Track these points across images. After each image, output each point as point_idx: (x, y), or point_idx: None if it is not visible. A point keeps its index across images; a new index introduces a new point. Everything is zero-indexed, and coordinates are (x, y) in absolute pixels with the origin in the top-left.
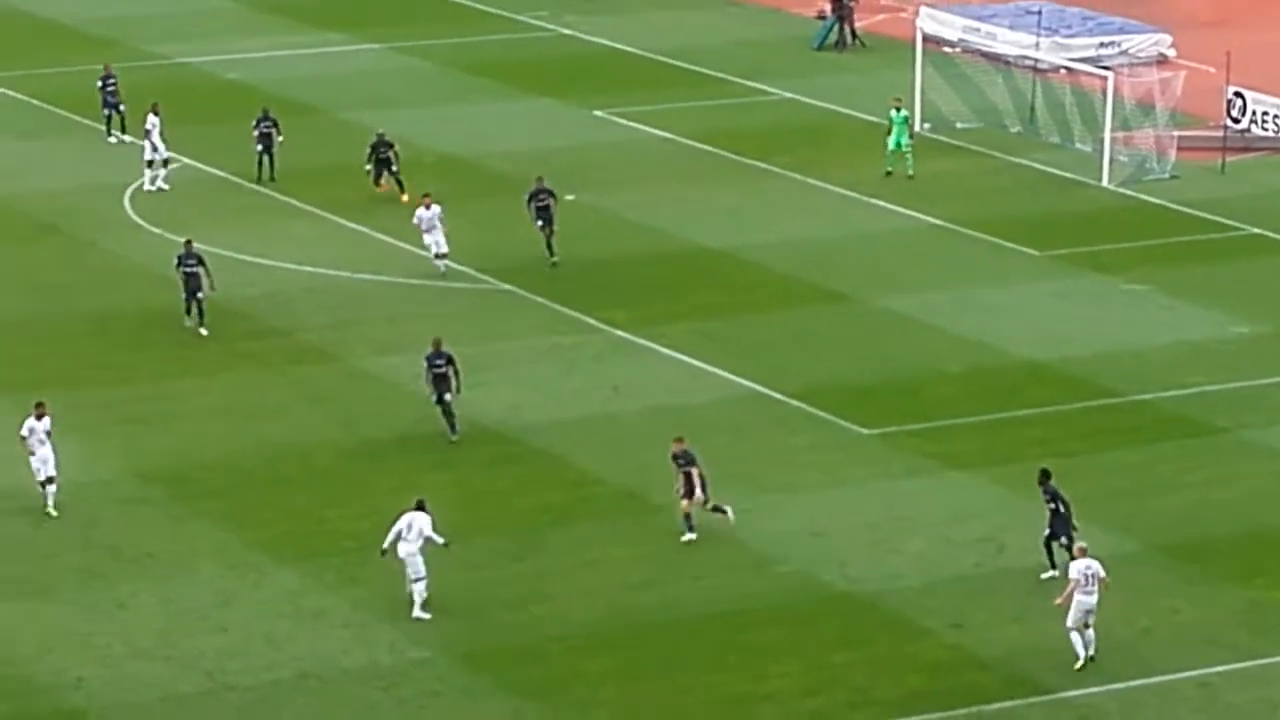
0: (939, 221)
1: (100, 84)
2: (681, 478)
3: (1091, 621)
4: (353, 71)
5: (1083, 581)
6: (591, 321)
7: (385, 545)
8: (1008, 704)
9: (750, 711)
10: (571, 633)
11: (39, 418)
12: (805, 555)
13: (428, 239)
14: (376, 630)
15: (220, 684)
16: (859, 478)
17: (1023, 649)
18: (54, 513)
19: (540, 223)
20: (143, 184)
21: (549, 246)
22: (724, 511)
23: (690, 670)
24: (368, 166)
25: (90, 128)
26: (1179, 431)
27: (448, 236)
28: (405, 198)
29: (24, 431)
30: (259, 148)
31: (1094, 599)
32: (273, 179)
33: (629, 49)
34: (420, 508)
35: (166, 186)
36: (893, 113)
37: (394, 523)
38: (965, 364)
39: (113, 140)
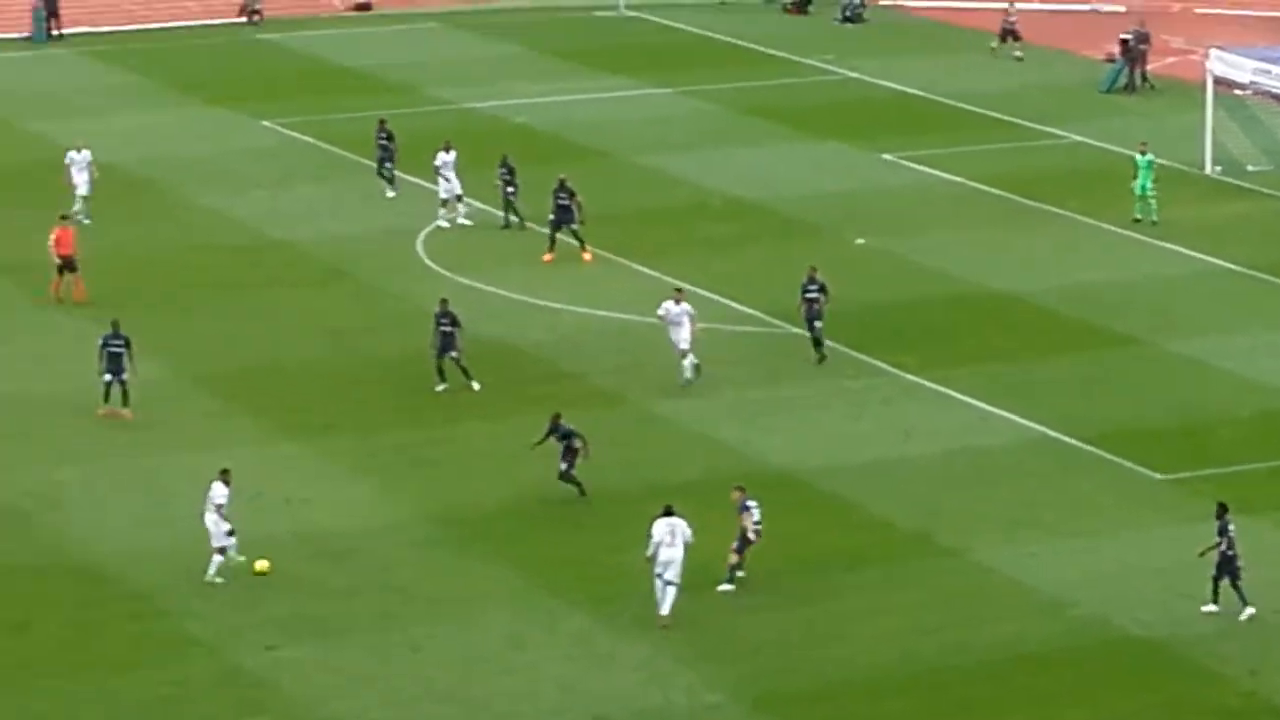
0: (1230, 265)
1: (377, 136)
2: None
3: None
4: (641, 116)
5: None
6: (881, 365)
7: (649, 553)
8: None
9: None
10: (863, 677)
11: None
12: (1097, 599)
13: (673, 335)
14: (670, 673)
15: None
16: (1151, 522)
17: None
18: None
19: (554, 219)
20: (439, 224)
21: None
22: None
23: (981, 714)
24: (550, 217)
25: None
26: None
27: (695, 336)
28: (588, 255)
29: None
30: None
31: None
32: (516, 225)
33: (917, 92)
34: (669, 513)
35: (468, 223)
36: (1138, 157)
37: (650, 531)
38: (1256, 408)
39: (390, 195)
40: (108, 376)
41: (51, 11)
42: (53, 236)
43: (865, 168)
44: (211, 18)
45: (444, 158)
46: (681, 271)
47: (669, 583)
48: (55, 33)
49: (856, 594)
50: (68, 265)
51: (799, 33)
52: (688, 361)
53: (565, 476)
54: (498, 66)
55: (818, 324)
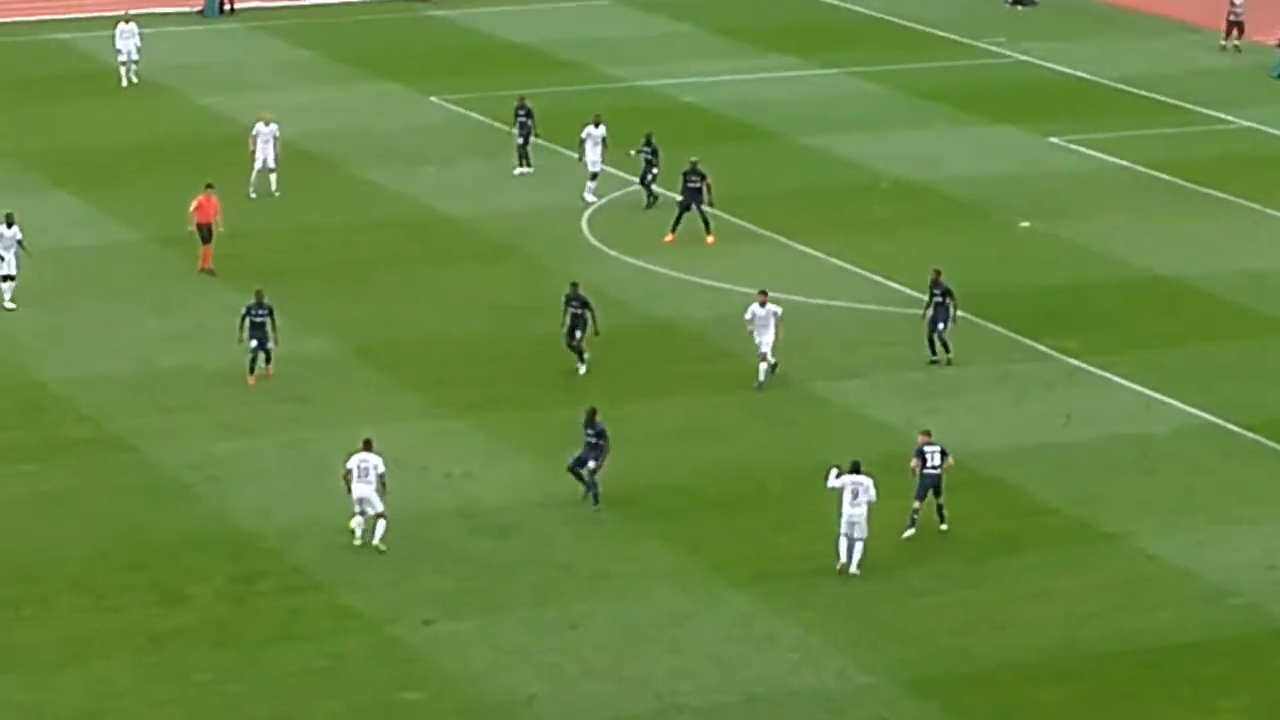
0: None
1: (516, 114)
2: None
3: None
4: (808, 96)
5: None
6: (1044, 349)
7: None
8: None
9: None
10: (1021, 661)
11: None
12: (1259, 588)
13: (758, 337)
14: (825, 655)
15: (669, 704)
16: None
17: None
18: (367, 543)
19: (683, 200)
20: (585, 197)
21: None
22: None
23: (1140, 702)
24: (679, 198)
25: (551, 150)
26: None
27: (778, 342)
28: (711, 239)
29: (350, 465)
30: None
31: None
32: (652, 202)
33: (1086, 75)
34: (856, 470)
35: (594, 199)
36: None
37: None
38: None
39: (517, 173)
40: (253, 344)
41: None
42: (194, 204)
43: (1033, 151)
44: None
45: (591, 130)
46: (846, 252)
47: (857, 539)
48: (227, 7)
49: (1016, 579)
50: (204, 234)
51: (970, 15)
52: (764, 365)
53: (578, 471)
54: (667, 44)
55: (940, 326)
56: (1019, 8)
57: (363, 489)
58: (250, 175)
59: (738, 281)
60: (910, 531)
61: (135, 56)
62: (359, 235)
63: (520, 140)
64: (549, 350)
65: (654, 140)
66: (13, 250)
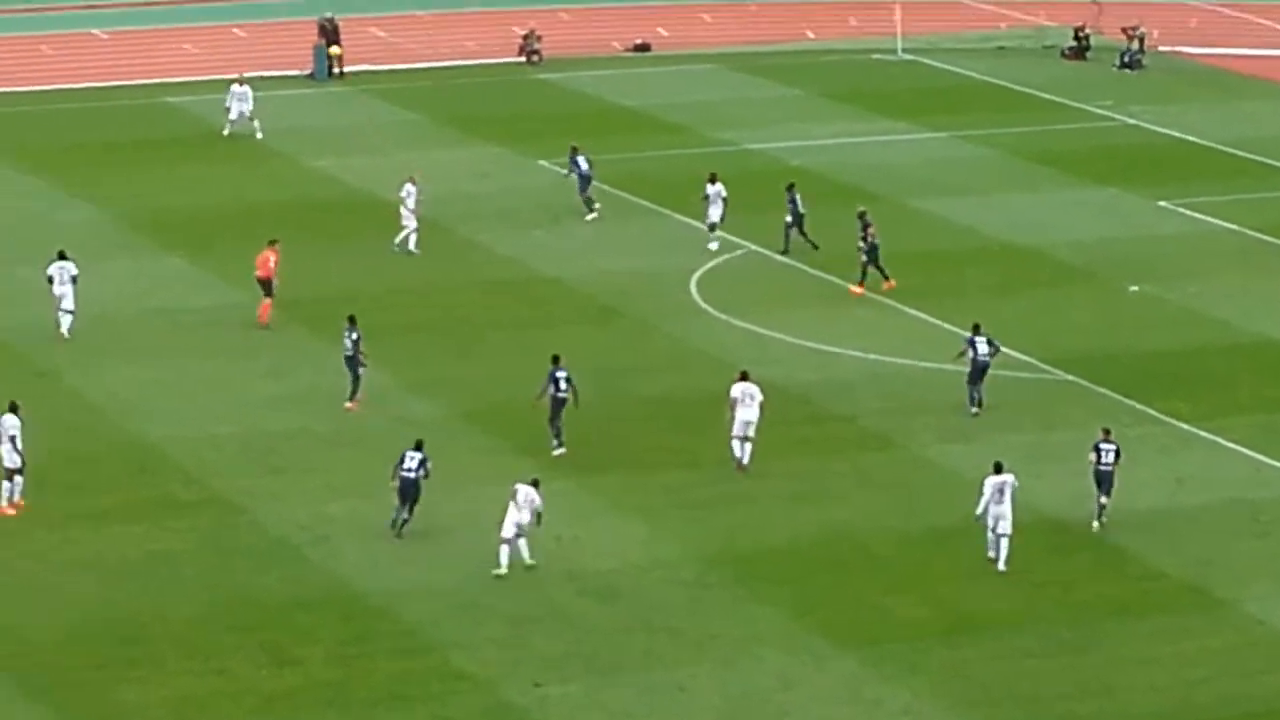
0: None
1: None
2: None
3: None
4: (916, 159)
5: None
6: (1154, 413)
7: (979, 511)
8: None
9: None
10: None
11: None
12: None
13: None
14: (933, 719)
15: None
16: None
17: None
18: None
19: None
20: (709, 247)
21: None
22: None
23: None
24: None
25: (655, 211)
26: None
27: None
28: (890, 284)
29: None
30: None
31: None
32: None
33: (1194, 139)
34: (999, 470)
35: (713, 247)
36: None
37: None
38: None
39: (590, 218)
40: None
41: (332, 43)
42: (259, 258)
43: (1141, 214)
44: (491, 57)
45: (710, 189)
46: (955, 315)
47: (1001, 535)
48: (336, 71)
49: (1126, 643)
50: (264, 287)
51: (1077, 78)
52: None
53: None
54: (775, 108)
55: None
56: (1127, 71)
57: (521, 515)
58: (399, 235)
59: (846, 345)
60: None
61: (247, 117)
62: (467, 297)
63: (581, 187)
64: (657, 412)
65: (795, 191)
66: (69, 284)
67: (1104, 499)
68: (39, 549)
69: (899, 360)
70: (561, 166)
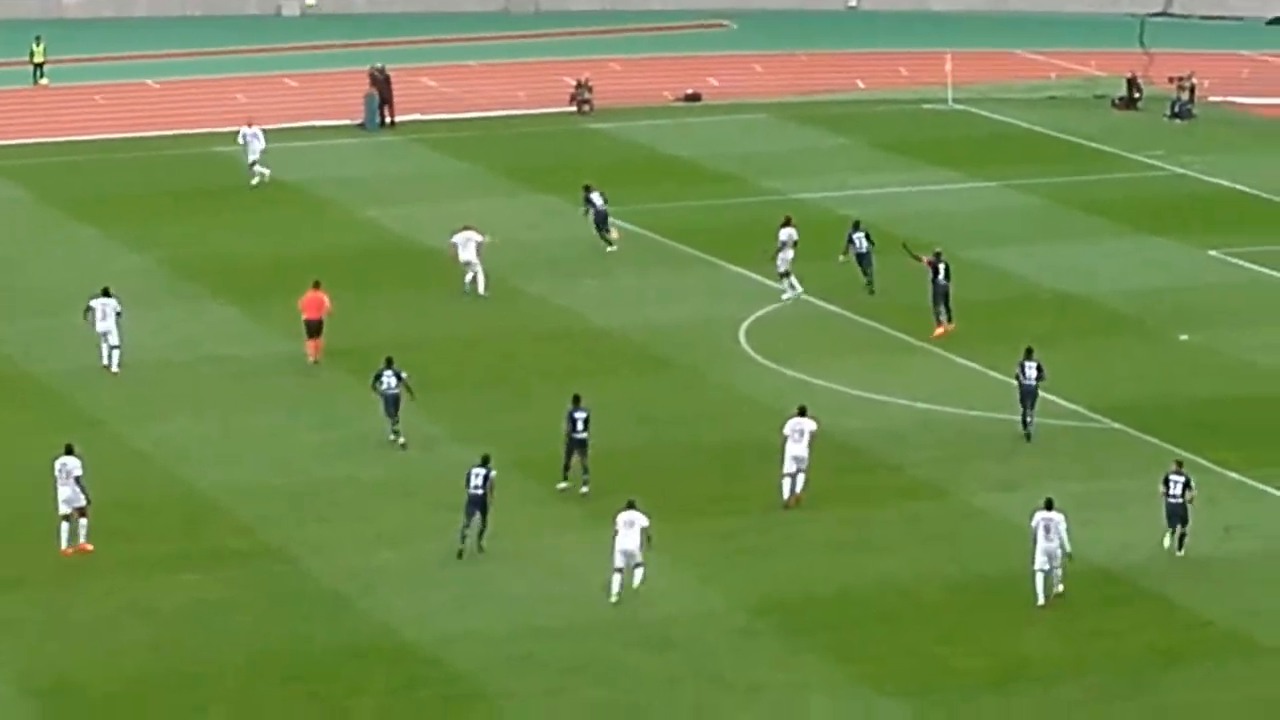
0: None
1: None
2: None
3: None
4: (968, 209)
5: None
6: (1203, 462)
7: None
8: None
9: None
10: None
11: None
12: None
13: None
14: None
15: None
16: None
17: None
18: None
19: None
20: (784, 297)
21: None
22: None
23: None
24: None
25: (704, 260)
26: None
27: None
28: (945, 328)
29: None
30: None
31: None
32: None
33: (1245, 189)
34: (1049, 506)
35: (788, 297)
36: None
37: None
38: None
39: (610, 250)
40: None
41: (384, 99)
42: (301, 300)
43: (1192, 264)
44: (542, 106)
45: (784, 234)
46: (1004, 364)
47: (1049, 570)
48: (387, 120)
49: (1174, 692)
50: (314, 328)
51: (1128, 128)
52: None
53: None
54: (825, 158)
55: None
56: (1177, 121)
57: (627, 541)
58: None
59: (895, 393)
60: (1167, 541)
61: (255, 157)
62: (518, 346)
63: (595, 223)
64: (708, 461)
65: (863, 226)
66: (113, 319)
67: (1183, 529)
68: (91, 596)
69: (948, 409)
70: (613, 216)
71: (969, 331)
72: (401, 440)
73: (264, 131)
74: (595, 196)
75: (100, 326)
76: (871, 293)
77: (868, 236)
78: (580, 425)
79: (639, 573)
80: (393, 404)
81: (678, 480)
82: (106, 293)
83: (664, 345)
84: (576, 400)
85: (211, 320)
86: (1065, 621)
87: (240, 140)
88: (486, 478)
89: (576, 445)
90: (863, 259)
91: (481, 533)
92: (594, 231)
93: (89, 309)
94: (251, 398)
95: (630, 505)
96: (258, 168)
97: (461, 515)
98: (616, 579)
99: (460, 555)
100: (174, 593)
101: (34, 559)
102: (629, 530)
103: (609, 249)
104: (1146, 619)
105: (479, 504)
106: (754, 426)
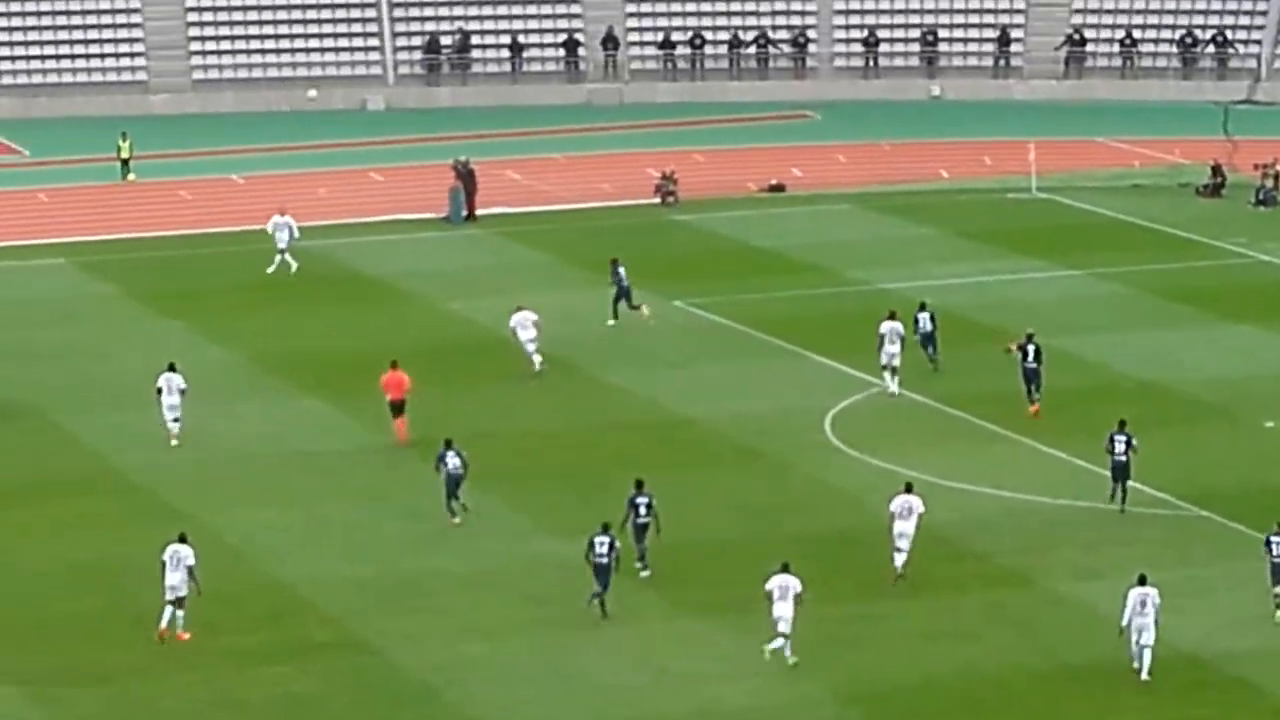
0: None
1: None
2: None
3: None
4: (1052, 297)
5: None
6: None
7: (1124, 622)
8: None
9: None
10: None
11: None
12: None
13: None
14: None
15: None
16: None
17: None
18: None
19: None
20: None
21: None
22: None
23: None
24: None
25: (791, 351)
26: None
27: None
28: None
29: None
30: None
31: None
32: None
33: None
34: (1143, 582)
35: (896, 391)
36: None
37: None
38: None
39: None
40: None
41: (468, 193)
42: (383, 380)
43: (1276, 350)
44: (626, 198)
45: (887, 325)
46: (1089, 453)
47: (1145, 645)
48: (472, 213)
49: None
50: (397, 408)
51: (1212, 215)
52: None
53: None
54: (910, 247)
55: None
56: (1261, 208)
57: (782, 609)
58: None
59: (982, 482)
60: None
61: (284, 245)
62: (600, 438)
63: (620, 296)
64: (796, 550)
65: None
66: (178, 395)
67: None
68: (179, 688)
69: (1034, 498)
70: (697, 307)
71: (1054, 420)
72: (457, 520)
73: (296, 223)
74: (620, 270)
75: (166, 401)
76: (935, 370)
77: (932, 318)
78: (643, 510)
79: (781, 643)
80: (455, 484)
81: (767, 568)
82: (172, 368)
83: (749, 435)
84: (639, 485)
85: (296, 413)
86: (1152, 709)
87: (270, 228)
88: (612, 545)
89: (641, 530)
90: (927, 339)
91: (601, 599)
92: (618, 304)
93: (159, 389)
94: (336, 490)
95: (785, 568)
96: (286, 257)
97: (593, 583)
98: (778, 643)
99: (604, 615)
100: (262, 686)
101: (123, 651)
102: (785, 598)
103: (645, 318)
104: (1235, 706)
105: (605, 572)
106: (841, 516)
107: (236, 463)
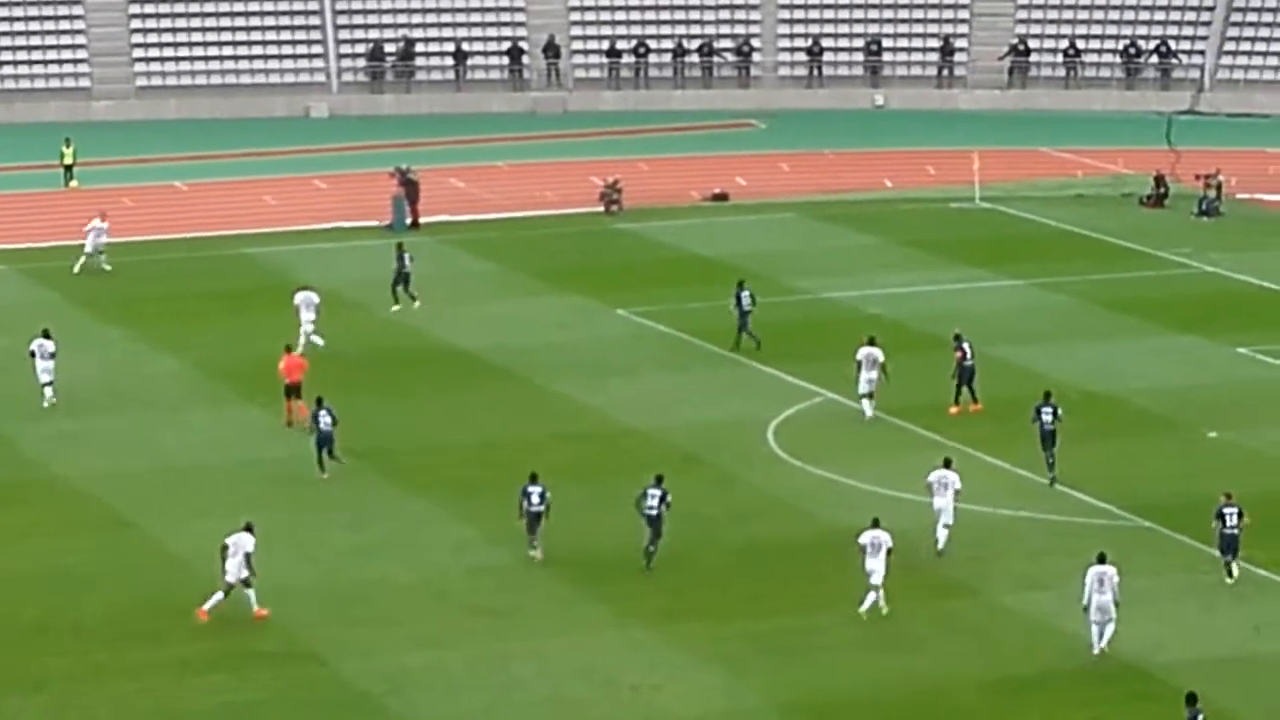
0: None
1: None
2: None
3: None
4: (994, 308)
5: None
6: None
7: (1085, 601)
8: None
9: None
10: None
11: None
12: None
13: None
14: None
15: None
16: None
17: None
18: None
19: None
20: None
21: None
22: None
23: None
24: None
25: (734, 360)
26: None
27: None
28: (977, 406)
29: None
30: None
31: None
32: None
33: (1272, 286)
34: (1103, 560)
35: (871, 415)
36: None
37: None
38: None
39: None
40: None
41: (411, 200)
42: (281, 364)
43: (1220, 361)
44: (571, 207)
45: (864, 351)
46: (1031, 463)
47: (1102, 622)
48: (416, 221)
49: None
50: (295, 390)
51: (1155, 226)
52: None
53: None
54: (854, 257)
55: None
56: (1205, 219)
57: (874, 563)
58: None
59: (923, 491)
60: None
61: (99, 250)
62: (546, 447)
63: (396, 284)
64: (737, 560)
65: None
66: (49, 359)
67: (1228, 559)
68: (119, 696)
69: (976, 507)
70: (641, 315)
71: (996, 430)
72: (325, 475)
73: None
74: (404, 255)
75: (39, 365)
76: (757, 348)
77: (752, 297)
78: (535, 499)
79: (874, 598)
80: (327, 441)
81: (710, 580)
82: (46, 334)
83: (694, 445)
84: (533, 477)
85: (242, 422)
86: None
87: (86, 229)
88: (663, 498)
89: (533, 518)
90: (745, 318)
91: (653, 554)
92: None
93: (32, 352)
94: (282, 499)
95: (875, 524)
96: (103, 258)
97: (647, 531)
98: (871, 598)
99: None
100: (202, 695)
101: (60, 660)
102: (875, 556)
103: (415, 305)
104: (1179, 716)
105: (656, 522)
106: (781, 527)
107: (183, 473)
